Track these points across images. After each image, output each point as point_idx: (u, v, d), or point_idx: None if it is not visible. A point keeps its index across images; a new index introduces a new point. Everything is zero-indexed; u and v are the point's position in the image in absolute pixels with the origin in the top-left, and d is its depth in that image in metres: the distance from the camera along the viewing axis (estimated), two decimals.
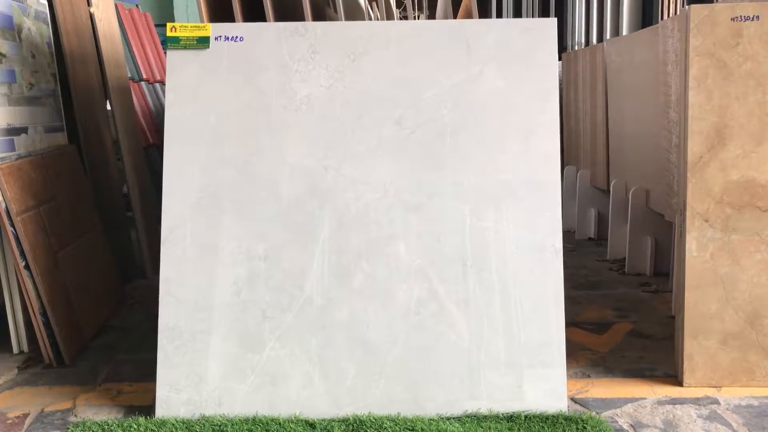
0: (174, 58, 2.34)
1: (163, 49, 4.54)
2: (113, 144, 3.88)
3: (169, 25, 2.34)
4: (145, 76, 4.91)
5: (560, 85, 5.35)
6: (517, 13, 7.80)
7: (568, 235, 4.74)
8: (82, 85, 3.47)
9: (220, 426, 2.15)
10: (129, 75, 4.41)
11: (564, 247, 2.27)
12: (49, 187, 2.90)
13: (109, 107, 3.81)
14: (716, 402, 2.30)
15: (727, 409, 2.25)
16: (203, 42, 2.33)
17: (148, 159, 4.40)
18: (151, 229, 3.90)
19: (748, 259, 2.36)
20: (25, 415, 2.32)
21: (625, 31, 5.70)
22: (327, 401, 2.24)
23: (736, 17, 2.28)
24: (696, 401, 2.31)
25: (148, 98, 4.90)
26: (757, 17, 2.27)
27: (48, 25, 3.23)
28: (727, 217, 2.35)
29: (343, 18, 2.99)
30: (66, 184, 3.07)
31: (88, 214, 3.25)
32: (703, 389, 2.38)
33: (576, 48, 6.83)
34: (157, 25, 5.56)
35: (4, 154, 2.70)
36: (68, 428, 2.19)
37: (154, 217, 3.93)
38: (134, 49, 4.86)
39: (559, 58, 5.39)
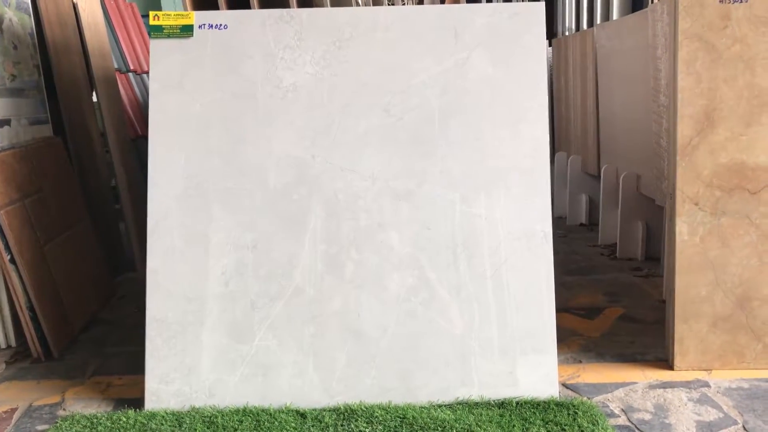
0: (157, 47, 2.31)
1: None
2: (100, 136, 3.84)
3: (151, 13, 2.31)
4: (132, 67, 4.85)
5: (551, 71, 5.33)
6: None
7: (559, 221, 4.73)
8: (67, 76, 3.43)
9: (210, 417, 2.13)
10: (116, 66, 4.36)
11: (555, 233, 2.27)
12: (34, 179, 2.87)
13: (95, 98, 3.76)
14: (707, 385, 2.30)
15: (717, 391, 2.26)
16: (187, 30, 2.30)
17: (137, 150, 4.36)
18: (140, 221, 3.86)
19: (738, 241, 2.35)
20: (13, 410, 2.30)
21: (615, 15, 5.68)
22: (318, 390, 2.23)
23: None
24: (687, 384, 2.31)
25: (136, 89, 4.84)
26: None
27: (30, 15, 3.18)
28: (716, 201, 2.34)
29: (329, 4, 2.95)
30: (52, 177, 3.04)
31: (76, 207, 3.21)
32: (694, 372, 2.38)
33: (566, 34, 6.80)
34: (143, 16, 5.50)
35: None
36: (57, 422, 2.17)
37: (143, 209, 3.89)
38: (121, 40, 4.80)
39: (550, 44, 5.36)
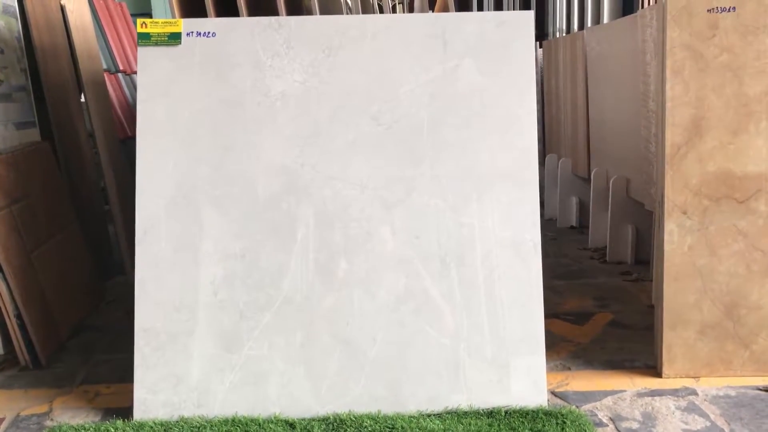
0: (145, 54, 2.29)
1: None
2: (89, 137, 3.81)
3: (139, 21, 2.29)
4: (122, 68, 4.83)
5: (541, 73, 5.33)
6: (498, 3, 7.76)
7: (549, 223, 4.74)
8: (54, 79, 3.40)
9: (198, 428, 2.13)
10: (105, 67, 4.33)
11: (546, 235, 2.28)
12: (21, 185, 2.84)
13: (83, 100, 3.73)
14: (694, 393, 2.31)
15: (704, 399, 2.27)
16: (175, 38, 2.28)
17: (127, 151, 4.33)
18: (129, 224, 3.84)
19: (726, 250, 2.36)
20: (1, 420, 2.28)
21: (606, 18, 5.69)
22: (307, 400, 2.22)
23: (713, 8, 2.27)
24: (674, 392, 2.32)
25: (126, 90, 4.82)
26: (734, 8, 2.26)
27: (17, 19, 3.15)
28: (704, 209, 2.35)
29: (318, 11, 2.94)
30: (39, 182, 3.01)
31: (64, 212, 3.19)
32: (682, 380, 2.39)
33: (557, 36, 6.81)
34: (133, 15, 5.46)
35: None
36: None
37: (132, 211, 3.87)
38: (110, 40, 4.77)
39: (540, 46, 5.37)
